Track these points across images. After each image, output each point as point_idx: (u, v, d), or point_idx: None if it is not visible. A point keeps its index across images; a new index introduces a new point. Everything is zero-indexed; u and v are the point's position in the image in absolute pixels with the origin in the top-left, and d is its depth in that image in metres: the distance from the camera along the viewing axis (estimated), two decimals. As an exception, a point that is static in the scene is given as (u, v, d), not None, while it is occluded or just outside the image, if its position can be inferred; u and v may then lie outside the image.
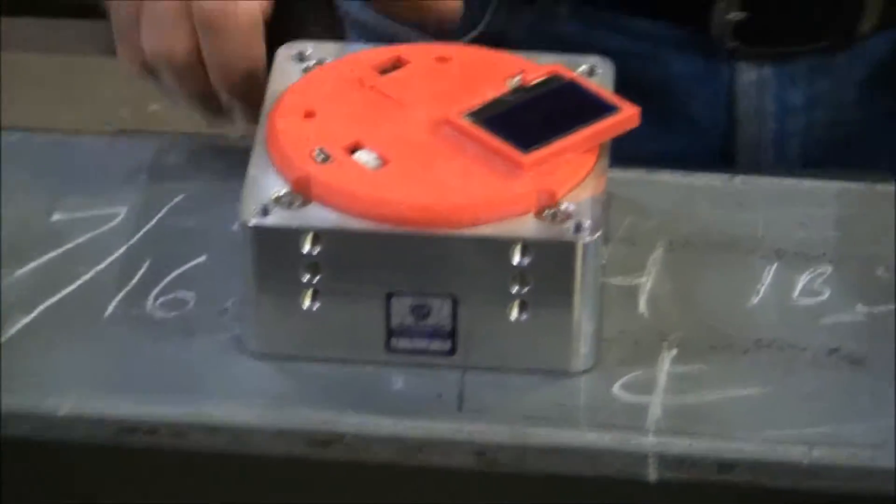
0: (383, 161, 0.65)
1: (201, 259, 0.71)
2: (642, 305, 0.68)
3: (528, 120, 0.68)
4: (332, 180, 0.63)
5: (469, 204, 0.62)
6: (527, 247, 0.61)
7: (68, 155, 0.82)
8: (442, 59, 0.74)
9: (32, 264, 0.71)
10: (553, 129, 0.67)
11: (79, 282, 0.70)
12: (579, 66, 0.74)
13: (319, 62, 0.74)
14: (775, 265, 0.69)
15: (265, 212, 0.62)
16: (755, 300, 0.68)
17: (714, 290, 0.68)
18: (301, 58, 0.75)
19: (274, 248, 0.62)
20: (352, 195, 0.62)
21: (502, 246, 0.61)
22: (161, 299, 0.69)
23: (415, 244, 0.62)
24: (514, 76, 0.71)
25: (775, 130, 0.98)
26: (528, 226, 0.62)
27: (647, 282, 0.69)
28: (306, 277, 0.62)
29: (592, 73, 0.73)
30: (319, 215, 0.62)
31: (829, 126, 0.99)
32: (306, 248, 0.62)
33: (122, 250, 0.72)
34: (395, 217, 0.62)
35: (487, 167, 0.64)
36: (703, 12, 0.92)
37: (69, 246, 0.72)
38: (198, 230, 0.73)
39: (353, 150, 0.66)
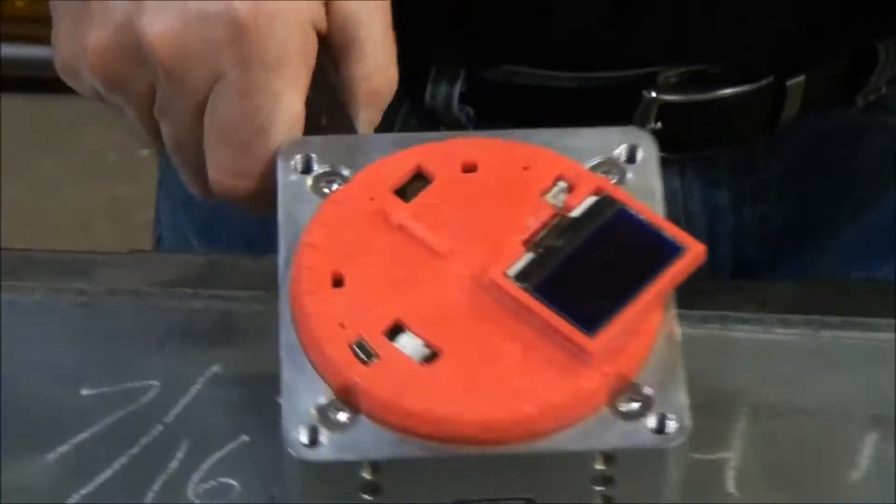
0: (431, 349, 0.55)
1: (243, 438, 0.66)
2: (731, 484, 0.62)
3: (584, 280, 0.58)
4: (382, 391, 0.54)
5: (540, 414, 0.53)
6: (609, 456, 0.54)
7: (92, 318, 0.75)
8: (468, 168, 0.63)
9: (62, 448, 0.66)
10: (616, 291, 0.56)
11: (114, 466, 0.65)
12: (616, 145, 0.65)
13: (330, 175, 0.63)
14: (874, 434, 0.63)
15: (314, 438, 0.54)
16: (856, 475, 0.62)
17: (808, 463, 0.63)
18: (308, 166, 0.64)
19: (327, 475, 0.55)
20: (407, 412, 0.54)
21: (581, 457, 0.54)
22: (203, 486, 0.64)
23: (485, 462, 0.54)
24: (551, 188, 0.61)
25: (704, 235, 0.92)
26: (607, 430, 0.54)
27: (733, 456, 0.63)
28: (364, 497, 0.55)
29: (633, 157, 0.65)
30: (375, 439, 0.54)
31: (758, 223, 0.96)
32: (363, 474, 0.54)
33: (157, 430, 0.67)
34: (460, 436, 0.54)
35: (549, 354, 0.55)
36: (623, 118, 0.79)
37: (100, 426, 0.67)
38: (238, 404, 0.68)
39: (394, 332, 0.56)
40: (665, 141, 0.76)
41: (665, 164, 0.75)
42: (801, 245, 0.98)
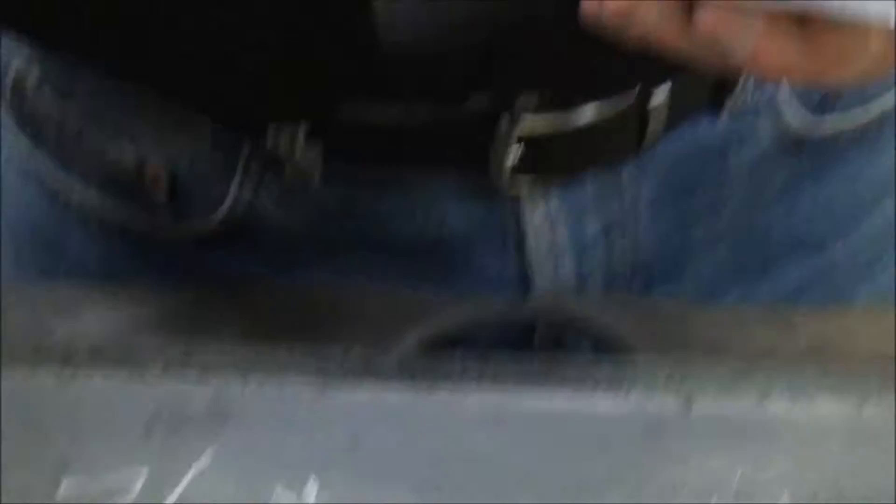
0: None
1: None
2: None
3: None
4: None
5: None
6: None
7: (73, 403, 0.67)
8: None
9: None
10: None
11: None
12: None
13: None
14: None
15: None
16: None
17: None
18: None
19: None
20: None
21: None
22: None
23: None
24: None
25: (573, 270, 0.89)
26: None
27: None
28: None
29: None
30: None
31: (630, 252, 0.90)
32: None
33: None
34: None
35: None
36: (480, 152, 0.81)
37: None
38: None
39: None
40: (527, 172, 0.81)
41: (529, 196, 0.83)
42: (675, 272, 0.93)
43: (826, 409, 0.63)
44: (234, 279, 0.90)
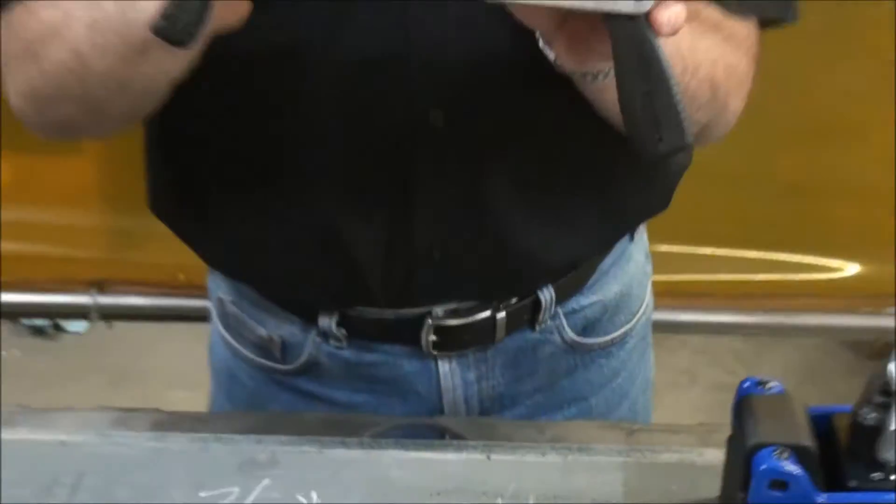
0: None
1: None
2: None
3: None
4: None
5: None
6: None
7: None
8: None
9: None
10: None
11: None
12: None
13: None
14: None
15: None
16: None
17: None
18: None
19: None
20: None
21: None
22: None
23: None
24: None
25: (462, 395, 1.48)
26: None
27: None
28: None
29: None
30: None
31: (491, 391, 1.49)
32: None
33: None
34: None
35: None
36: (416, 336, 1.41)
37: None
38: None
39: None
40: (440, 347, 1.43)
41: (439, 359, 1.44)
42: (512, 406, 1.50)
43: None
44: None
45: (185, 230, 1.46)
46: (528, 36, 1.07)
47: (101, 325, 2.08)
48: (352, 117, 1.27)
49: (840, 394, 3.11)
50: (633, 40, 0.95)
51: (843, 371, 3.15)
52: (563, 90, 1.13)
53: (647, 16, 0.94)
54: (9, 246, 2.06)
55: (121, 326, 2.13)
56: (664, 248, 1.62)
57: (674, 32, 0.96)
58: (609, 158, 1.31)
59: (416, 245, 1.34)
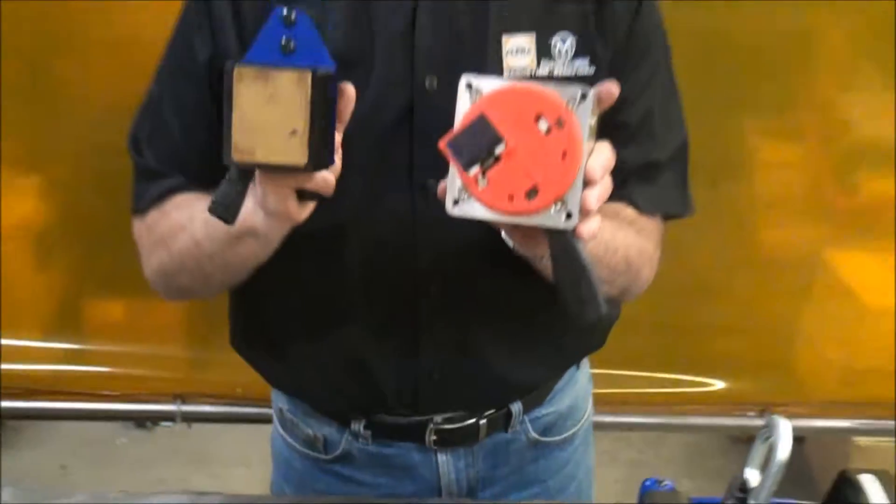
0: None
1: None
2: None
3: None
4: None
5: (539, 205, 1.03)
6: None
7: None
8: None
9: None
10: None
11: None
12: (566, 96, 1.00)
13: None
14: None
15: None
16: None
17: None
18: None
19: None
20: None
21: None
22: None
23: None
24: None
25: (454, 478, 1.50)
26: (549, 217, 1.03)
27: None
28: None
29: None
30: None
31: (477, 480, 1.51)
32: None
33: None
34: (509, 212, 1.03)
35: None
36: (421, 436, 1.47)
37: None
38: None
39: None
40: (439, 444, 1.46)
41: (438, 452, 1.48)
42: (492, 487, 1.53)
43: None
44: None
45: (257, 361, 1.51)
46: (496, 231, 1.12)
47: (184, 425, 2.17)
48: (373, 282, 1.35)
49: (715, 468, 3.17)
50: (563, 246, 1.02)
51: (714, 451, 3.18)
52: (524, 268, 1.19)
53: (573, 229, 1.00)
54: (119, 370, 2.11)
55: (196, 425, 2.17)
56: (599, 370, 1.66)
57: (592, 238, 1.04)
58: (560, 315, 1.21)
59: (421, 371, 1.40)
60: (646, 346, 2.00)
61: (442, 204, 1.04)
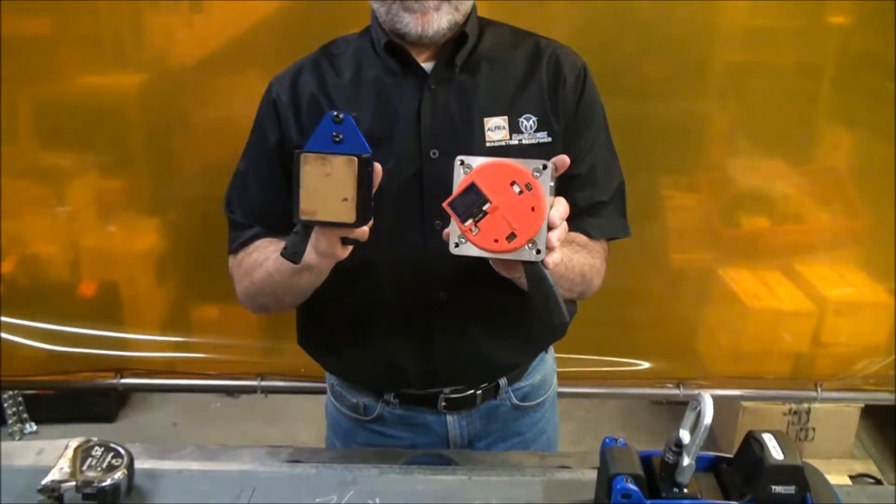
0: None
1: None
2: None
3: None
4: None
5: (516, 246, 1.06)
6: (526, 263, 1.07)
7: None
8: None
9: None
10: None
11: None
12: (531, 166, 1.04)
13: None
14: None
15: None
16: None
17: None
18: None
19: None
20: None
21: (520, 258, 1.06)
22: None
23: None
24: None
25: (458, 433, 1.47)
26: (523, 253, 1.07)
27: None
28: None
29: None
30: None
31: (473, 430, 1.48)
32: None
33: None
34: (494, 250, 1.07)
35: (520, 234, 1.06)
36: (435, 403, 1.45)
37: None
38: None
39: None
40: (447, 408, 1.45)
41: (447, 414, 1.46)
42: (485, 437, 1.50)
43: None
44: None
45: (316, 354, 1.50)
46: (487, 260, 1.13)
47: (262, 395, 2.13)
48: (397, 297, 1.36)
49: (641, 423, 3.16)
50: (535, 273, 1.06)
51: (640, 411, 3.16)
52: (506, 284, 1.19)
53: (542, 261, 1.05)
54: (215, 356, 2.09)
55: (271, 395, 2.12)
56: (562, 354, 1.65)
57: (556, 266, 1.07)
58: (532, 316, 1.25)
59: (434, 358, 1.40)
60: (593, 337, 1.96)
61: (446, 239, 1.07)
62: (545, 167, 1.03)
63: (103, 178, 1.95)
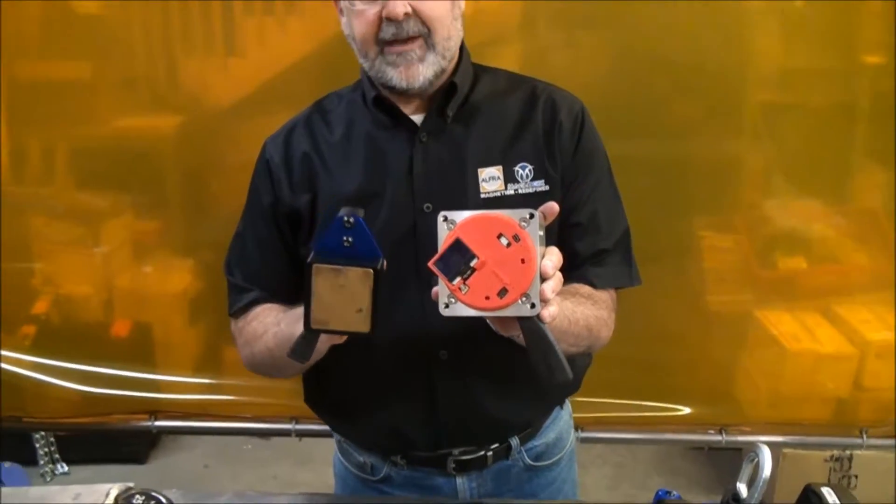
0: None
1: None
2: None
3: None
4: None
5: (509, 301, 1.01)
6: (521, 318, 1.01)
7: None
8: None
9: None
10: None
11: None
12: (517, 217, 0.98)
13: None
14: None
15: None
16: None
17: None
18: None
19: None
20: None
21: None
22: None
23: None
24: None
25: (468, 495, 1.41)
26: (518, 308, 1.01)
27: None
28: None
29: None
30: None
31: (484, 492, 1.42)
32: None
33: None
34: (486, 308, 1.01)
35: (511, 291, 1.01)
36: (444, 465, 1.39)
37: None
38: None
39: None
40: (457, 470, 1.39)
41: (457, 476, 1.41)
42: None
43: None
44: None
45: (322, 416, 1.48)
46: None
47: (294, 438, 2.10)
48: (398, 359, 1.31)
49: (677, 468, 3.07)
50: (532, 328, 0.99)
51: (675, 455, 3.05)
52: (508, 340, 1.12)
53: (538, 315, 0.99)
54: (248, 399, 2.06)
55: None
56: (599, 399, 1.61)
57: (553, 319, 1.01)
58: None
59: (439, 422, 1.35)
60: (629, 380, 1.93)
61: (434, 300, 1.02)
62: (532, 216, 0.98)
63: (138, 218, 1.95)
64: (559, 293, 1.02)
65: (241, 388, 2.05)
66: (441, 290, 1.00)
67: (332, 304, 1.01)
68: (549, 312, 1.00)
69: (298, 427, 2.07)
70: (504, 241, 0.97)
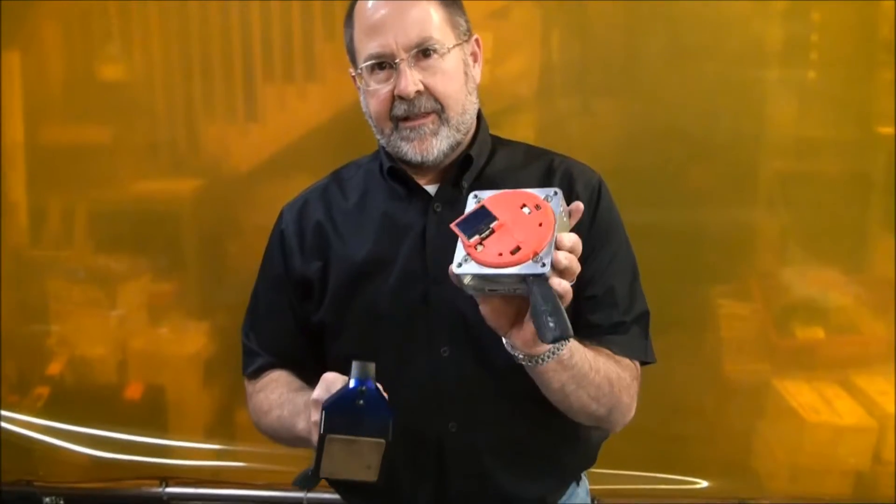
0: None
1: None
2: None
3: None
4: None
5: (521, 259, 1.00)
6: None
7: None
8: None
9: None
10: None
11: None
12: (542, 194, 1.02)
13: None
14: None
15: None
16: None
17: None
18: None
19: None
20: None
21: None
22: None
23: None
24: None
25: None
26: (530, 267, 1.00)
27: None
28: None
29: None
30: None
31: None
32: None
33: None
34: (498, 264, 1.01)
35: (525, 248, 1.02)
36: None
37: None
38: None
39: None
40: None
41: None
42: None
43: None
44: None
45: (333, 484, 1.37)
46: (498, 355, 1.07)
47: None
48: (406, 432, 1.14)
49: None
50: (540, 285, 0.97)
51: None
52: (523, 410, 1.11)
53: (547, 278, 0.97)
54: (261, 466, 2.01)
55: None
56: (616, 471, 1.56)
57: (564, 292, 0.98)
58: (557, 443, 1.28)
59: (449, 497, 1.30)
60: (645, 452, 1.88)
61: (457, 366, 1.05)
62: (556, 193, 1.02)
63: (155, 281, 1.96)
64: (581, 343, 1.03)
65: (253, 455, 2.02)
66: (458, 250, 1.02)
67: (342, 462, 1.05)
68: (559, 282, 0.98)
69: (310, 496, 2.03)
70: (526, 210, 1.01)
